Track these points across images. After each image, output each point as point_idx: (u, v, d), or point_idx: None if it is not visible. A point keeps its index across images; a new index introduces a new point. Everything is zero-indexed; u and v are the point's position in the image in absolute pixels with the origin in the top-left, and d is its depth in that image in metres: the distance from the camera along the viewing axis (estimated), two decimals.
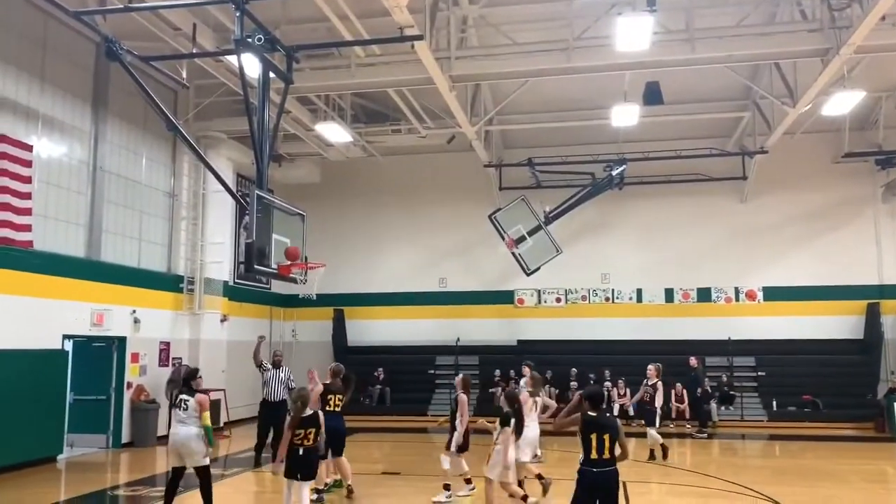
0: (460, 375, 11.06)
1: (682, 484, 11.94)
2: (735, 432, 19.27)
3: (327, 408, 10.30)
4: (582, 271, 23.20)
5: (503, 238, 20.98)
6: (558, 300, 23.80)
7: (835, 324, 21.62)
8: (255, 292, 22.66)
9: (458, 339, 23.11)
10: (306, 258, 12.58)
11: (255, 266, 11.68)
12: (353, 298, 24.23)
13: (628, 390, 19.94)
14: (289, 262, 11.69)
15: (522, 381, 13.49)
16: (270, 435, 13.48)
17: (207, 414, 9.08)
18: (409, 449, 16.97)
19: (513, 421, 8.81)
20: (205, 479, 9.08)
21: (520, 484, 9.88)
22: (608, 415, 6.93)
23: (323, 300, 22.19)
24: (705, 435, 18.18)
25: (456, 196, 23.81)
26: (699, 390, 19.09)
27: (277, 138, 18.94)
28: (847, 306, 21.69)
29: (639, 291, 23.28)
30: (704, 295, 22.81)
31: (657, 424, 14.33)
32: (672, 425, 19.24)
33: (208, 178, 18.07)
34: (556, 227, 21.14)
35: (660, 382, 14.46)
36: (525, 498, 9.07)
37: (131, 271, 16.85)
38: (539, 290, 23.72)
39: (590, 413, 6.54)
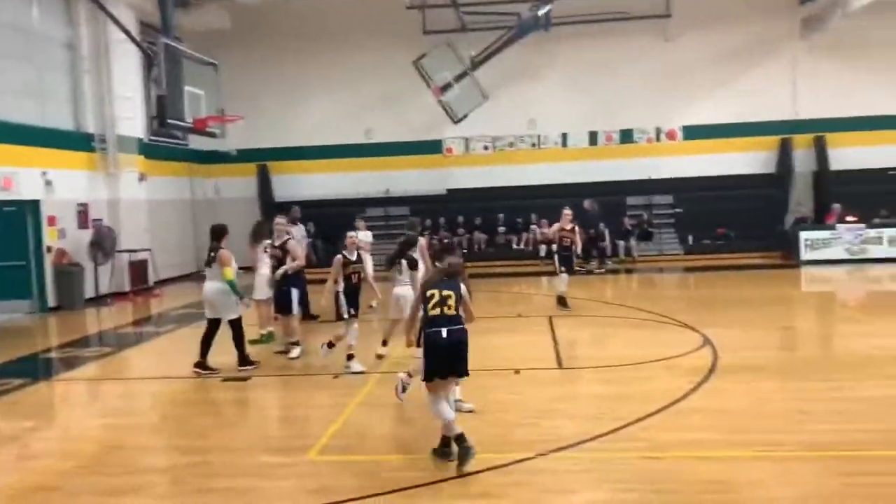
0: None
1: (601, 315, 12.63)
2: (653, 266, 20.34)
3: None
4: (509, 118, 23.07)
5: (429, 86, 20.47)
6: (486, 148, 23.80)
7: (749, 159, 22.49)
8: (172, 149, 21.79)
9: (388, 191, 23.07)
10: (223, 111, 12.10)
11: (169, 120, 11.23)
12: (277, 152, 23.64)
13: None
14: (204, 116, 11.22)
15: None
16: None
17: (228, 269, 9.31)
18: None
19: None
20: (235, 331, 9.46)
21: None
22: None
23: (246, 155, 21.62)
24: (603, 270, 19.56)
25: (378, 42, 22.86)
26: (592, 231, 20.01)
27: None
28: (761, 142, 22.49)
29: (564, 136, 23.44)
30: (627, 136, 23.18)
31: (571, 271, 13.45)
32: (595, 263, 20.14)
33: (109, 25, 16.72)
34: (483, 71, 20.71)
35: (576, 226, 13.48)
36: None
37: (35, 130, 15.83)
38: (467, 139, 23.60)
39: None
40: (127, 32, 12.76)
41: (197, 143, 21.86)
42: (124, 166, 18.04)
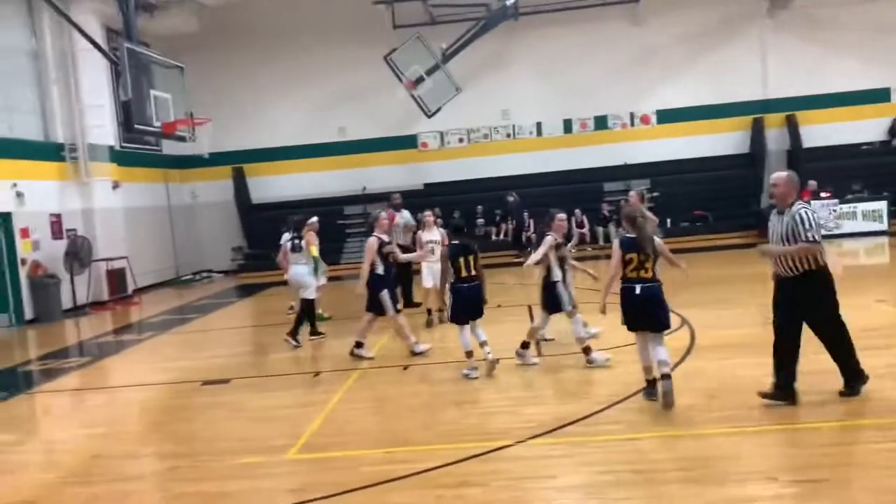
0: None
1: (580, 302, 12.66)
2: None
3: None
4: (483, 109, 23.10)
5: (401, 80, 20.43)
6: (461, 140, 23.82)
7: (723, 140, 22.70)
8: (145, 155, 21.61)
9: (365, 188, 23.02)
10: (191, 114, 12.03)
11: (136, 125, 11.14)
12: (252, 154, 23.53)
13: (531, 221, 20.66)
14: (172, 120, 11.15)
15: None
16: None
17: (314, 247, 10.83)
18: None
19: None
20: (303, 308, 10.73)
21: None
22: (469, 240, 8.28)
23: (220, 158, 21.47)
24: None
25: (348, 38, 22.76)
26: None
27: None
28: (734, 123, 22.69)
29: (538, 125, 23.51)
30: (601, 123, 23.29)
31: None
32: (574, 250, 20.15)
33: (74, 34, 16.53)
34: (455, 64, 20.68)
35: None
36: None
37: (3, 142, 15.67)
38: (442, 132, 23.61)
39: (454, 242, 8.06)
40: (91, 40, 12.62)
41: (171, 148, 21.70)
42: (97, 175, 17.89)
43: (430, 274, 10.82)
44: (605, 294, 6.84)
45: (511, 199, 21.13)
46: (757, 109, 22.65)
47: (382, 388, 8.17)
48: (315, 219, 11.35)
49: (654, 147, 22.71)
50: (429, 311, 11.41)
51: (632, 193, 12.99)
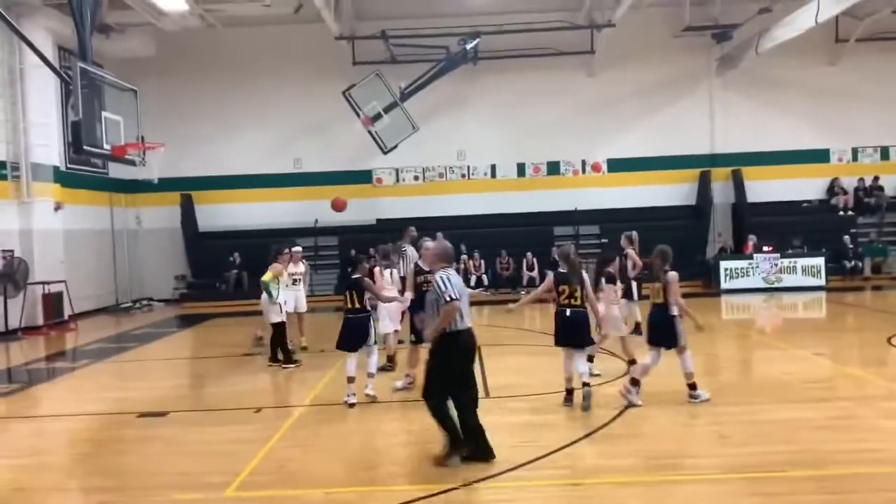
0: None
1: (529, 344, 12.71)
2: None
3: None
4: (439, 148, 23.28)
5: (359, 116, 20.53)
6: (416, 178, 23.90)
7: (671, 191, 23.30)
8: (91, 178, 21.07)
9: (317, 221, 22.84)
10: (143, 138, 11.76)
11: (85, 146, 10.84)
12: (202, 182, 23.16)
13: (482, 262, 20.77)
14: (123, 143, 10.89)
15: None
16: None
17: (268, 273, 11.14)
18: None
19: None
20: (274, 332, 11.12)
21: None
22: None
23: (168, 184, 21.03)
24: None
25: (307, 72, 22.80)
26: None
27: (102, 4, 17.09)
28: (682, 175, 23.34)
29: (493, 167, 23.78)
30: (554, 168, 23.69)
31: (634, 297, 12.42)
32: (524, 292, 20.29)
33: (25, 50, 16.16)
34: (413, 103, 20.90)
35: (631, 251, 12.31)
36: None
37: None
38: (397, 169, 23.66)
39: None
40: (42, 57, 12.32)
41: (117, 171, 21.19)
42: (39, 195, 17.36)
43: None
44: (524, 303, 9.09)
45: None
46: (704, 163, 23.36)
47: (325, 426, 7.97)
48: (292, 249, 12.30)
49: (604, 195, 23.15)
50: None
51: (624, 236, 12.87)
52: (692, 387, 8.25)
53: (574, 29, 21.94)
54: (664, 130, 23.09)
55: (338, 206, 13.01)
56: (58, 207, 17.99)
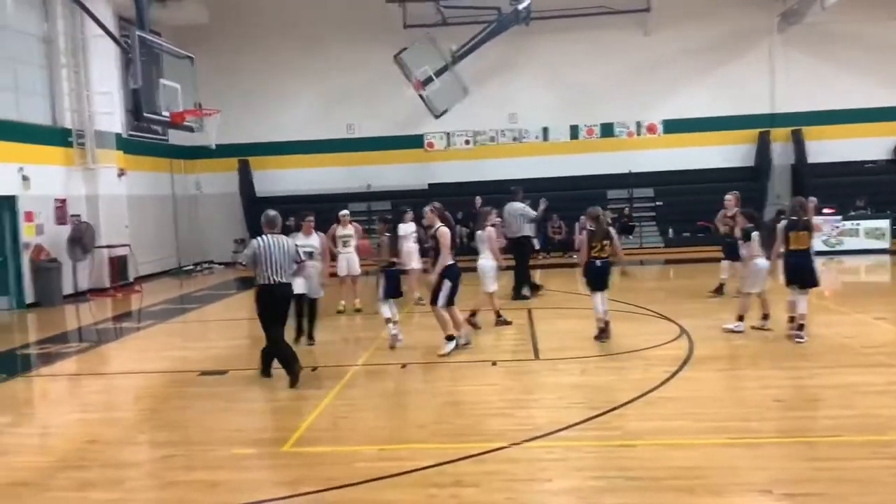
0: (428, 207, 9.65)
1: (580, 307, 12.67)
2: (634, 259, 20.38)
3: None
4: (490, 112, 23.11)
5: (410, 80, 20.45)
6: (467, 142, 23.82)
7: (729, 153, 22.67)
8: (152, 144, 21.63)
9: (370, 186, 23.01)
10: (199, 104, 12.02)
11: (145, 114, 11.15)
12: (258, 148, 23.54)
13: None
14: (181, 110, 11.15)
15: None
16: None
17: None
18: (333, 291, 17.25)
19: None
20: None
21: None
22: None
23: (226, 150, 21.47)
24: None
25: (359, 36, 22.79)
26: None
27: None
28: (741, 135, 22.67)
29: (545, 130, 23.51)
30: (608, 130, 23.30)
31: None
32: (576, 256, 20.15)
33: (86, 20, 16.55)
34: (464, 66, 20.72)
35: (739, 212, 11.58)
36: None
37: (11, 125, 15.66)
38: (448, 133, 23.61)
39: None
40: (104, 27, 12.64)
41: (177, 138, 21.71)
42: (103, 162, 17.88)
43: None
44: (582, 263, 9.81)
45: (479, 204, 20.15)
46: (763, 123, 22.64)
47: (379, 385, 8.17)
48: (340, 213, 12.29)
49: (659, 156, 22.69)
50: None
51: (729, 196, 13.23)
52: (802, 327, 9.13)
53: None
54: (722, 90, 22.41)
55: (363, 250, 12.16)
56: (121, 174, 18.55)
